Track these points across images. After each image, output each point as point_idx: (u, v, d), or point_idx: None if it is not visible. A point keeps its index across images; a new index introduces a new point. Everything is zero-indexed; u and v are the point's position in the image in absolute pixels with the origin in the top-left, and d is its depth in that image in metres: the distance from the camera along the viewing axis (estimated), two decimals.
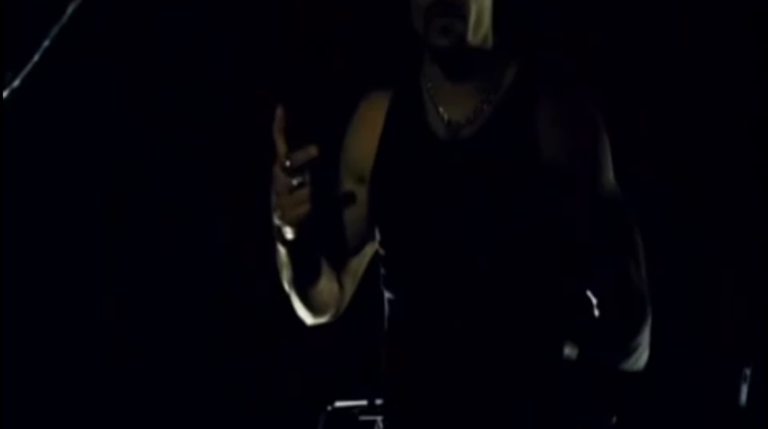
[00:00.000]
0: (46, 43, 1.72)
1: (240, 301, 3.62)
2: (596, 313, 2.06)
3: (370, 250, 2.14)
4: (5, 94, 1.70)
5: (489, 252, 2.00)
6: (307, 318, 2.11)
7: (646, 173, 3.52)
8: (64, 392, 3.58)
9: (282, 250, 1.96)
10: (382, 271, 2.09)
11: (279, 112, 1.90)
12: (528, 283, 2.03)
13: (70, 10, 1.71)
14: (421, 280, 2.02)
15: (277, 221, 1.90)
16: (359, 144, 2.10)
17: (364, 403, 2.23)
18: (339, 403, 2.41)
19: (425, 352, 2.01)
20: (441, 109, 2.06)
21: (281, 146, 1.88)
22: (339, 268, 2.10)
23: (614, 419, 2.07)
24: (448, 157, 2.04)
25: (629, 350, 2.08)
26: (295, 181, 1.85)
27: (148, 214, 3.65)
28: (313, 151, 1.85)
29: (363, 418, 2.13)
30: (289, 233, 1.91)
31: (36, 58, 1.71)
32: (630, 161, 3.29)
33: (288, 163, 1.85)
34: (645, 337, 2.09)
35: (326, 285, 2.07)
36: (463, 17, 1.98)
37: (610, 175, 2.09)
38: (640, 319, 2.08)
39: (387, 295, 2.08)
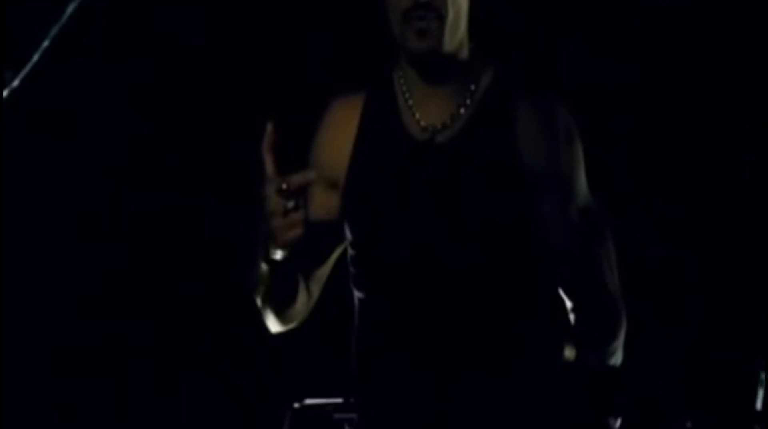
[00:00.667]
0: (46, 43, 1.72)
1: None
2: (571, 317, 2.07)
3: (336, 254, 2.13)
4: (5, 94, 1.70)
5: (468, 255, 2.00)
6: (275, 327, 2.10)
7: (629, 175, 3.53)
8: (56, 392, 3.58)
9: (264, 268, 1.94)
10: (353, 270, 2.08)
11: (269, 128, 1.88)
12: (503, 287, 2.03)
13: (70, 10, 1.71)
14: (397, 282, 2.02)
15: (267, 242, 1.89)
16: (331, 148, 2.08)
17: (339, 400, 2.21)
18: (309, 401, 2.39)
19: (398, 351, 2.01)
20: (417, 114, 2.05)
21: (270, 165, 1.86)
22: (308, 276, 2.09)
23: (617, 423, 2.08)
24: (426, 160, 2.03)
25: (608, 354, 2.10)
26: (290, 204, 1.84)
27: (148, 214, 3.64)
28: (310, 175, 1.84)
29: (338, 416, 2.11)
30: (278, 254, 1.90)
31: (36, 58, 1.71)
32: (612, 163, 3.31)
33: (284, 186, 1.82)
34: (622, 341, 2.12)
35: (298, 297, 2.07)
36: (440, 20, 1.98)
37: (584, 181, 2.11)
38: (620, 323, 2.11)
39: (358, 294, 2.08)
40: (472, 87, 2.06)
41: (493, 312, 2.02)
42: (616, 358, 2.13)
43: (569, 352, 2.05)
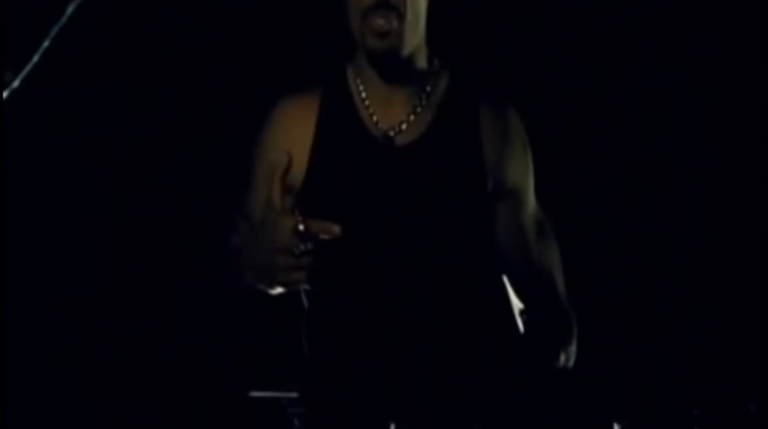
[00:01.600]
0: (46, 43, 1.72)
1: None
2: (522, 319, 2.09)
3: None
4: (5, 94, 1.70)
5: (430, 255, 2.02)
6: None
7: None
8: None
9: (251, 286, 1.91)
10: None
11: (281, 157, 1.84)
12: (460, 287, 2.06)
13: (70, 10, 1.71)
14: (355, 279, 2.01)
15: (266, 278, 1.83)
16: (285, 147, 2.00)
17: (292, 395, 2.19)
18: (256, 393, 2.37)
19: (355, 345, 2.01)
20: (374, 114, 2.06)
21: (277, 195, 1.82)
22: None
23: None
24: (387, 161, 2.04)
25: (562, 356, 2.12)
26: (303, 247, 1.78)
27: (148, 214, 3.64)
28: (336, 230, 1.78)
29: (290, 410, 2.10)
30: (274, 291, 1.87)
31: (36, 58, 1.71)
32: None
33: (301, 228, 1.77)
34: (574, 344, 2.14)
35: None
36: (400, 19, 1.98)
37: (533, 189, 2.15)
38: (573, 326, 2.13)
39: (310, 289, 2.06)
40: (428, 88, 2.08)
41: (448, 310, 2.04)
42: (570, 360, 2.15)
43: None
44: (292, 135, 2.05)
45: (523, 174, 2.11)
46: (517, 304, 2.11)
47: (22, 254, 3.50)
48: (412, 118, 2.06)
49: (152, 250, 3.63)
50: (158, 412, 3.57)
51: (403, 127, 2.06)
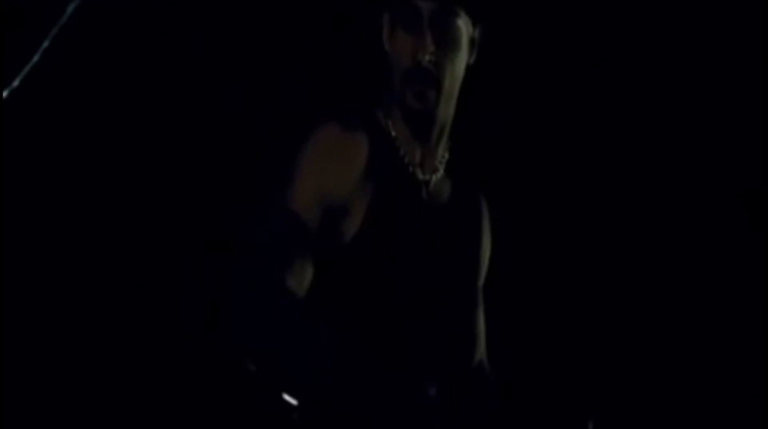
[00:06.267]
0: (46, 43, 1.72)
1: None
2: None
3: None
4: (5, 94, 1.70)
5: (452, 294, 2.17)
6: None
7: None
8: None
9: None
10: (323, 286, 2.04)
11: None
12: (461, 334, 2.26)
13: (70, 10, 1.72)
14: (386, 306, 2.05)
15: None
16: (337, 178, 2.02)
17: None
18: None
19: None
20: (412, 166, 2.15)
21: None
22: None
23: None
24: (426, 208, 2.15)
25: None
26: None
27: (148, 214, 3.64)
28: None
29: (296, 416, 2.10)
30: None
31: (36, 58, 1.71)
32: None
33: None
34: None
35: None
36: (438, 89, 2.10)
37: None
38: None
39: (334, 303, 2.07)
40: (447, 155, 2.22)
41: (462, 351, 2.24)
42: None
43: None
44: (345, 166, 2.06)
45: (486, 259, 2.33)
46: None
47: (21, 254, 3.50)
48: (437, 176, 2.19)
49: (152, 250, 3.63)
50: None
51: (431, 181, 2.18)
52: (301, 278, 1.86)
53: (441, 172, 2.20)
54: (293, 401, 1.80)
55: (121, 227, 3.66)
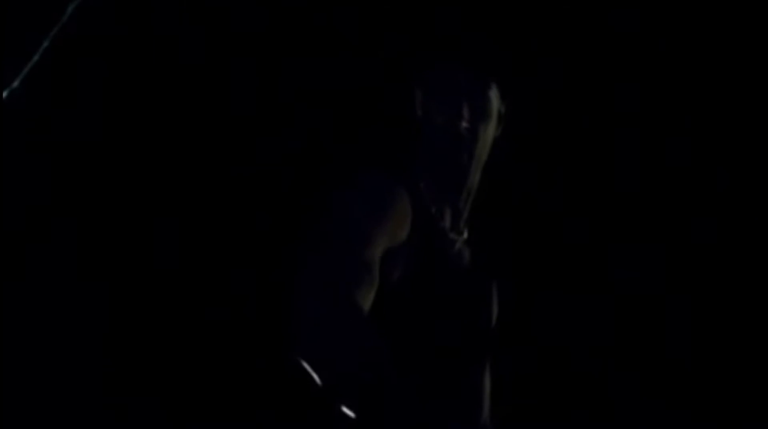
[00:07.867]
0: (46, 43, 1.72)
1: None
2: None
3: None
4: (5, 94, 1.70)
5: (484, 336, 2.27)
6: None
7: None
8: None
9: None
10: (387, 309, 2.09)
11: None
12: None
13: (70, 10, 1.72)
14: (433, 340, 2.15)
15: None
16: (401, 223, 2.12)
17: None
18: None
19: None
20: (441, 222, 2.25)
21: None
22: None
23: None
24: (459, 261, 2.27)
25: None
26: None
27: (147, 214, 3.64)
28: None
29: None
30: None
31: (36, 58, 1.71)
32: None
33: None
34: None
35: None
36: (471, 155, 2.22)
37: None
38: None
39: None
40: (466, 215, 2.29)
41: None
42: None
43: None
44: (401, 219, 2.15)
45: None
46: None
47: (21, 254, 3.50)
48: (462, 238, 2.27)
49: (152, 249, 3.64)
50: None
51: (457, 242, 2.26)
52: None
53: (465, 235, 2.29)
54: (351, 414, 1.79)
55: (119, 227, 3.66)
